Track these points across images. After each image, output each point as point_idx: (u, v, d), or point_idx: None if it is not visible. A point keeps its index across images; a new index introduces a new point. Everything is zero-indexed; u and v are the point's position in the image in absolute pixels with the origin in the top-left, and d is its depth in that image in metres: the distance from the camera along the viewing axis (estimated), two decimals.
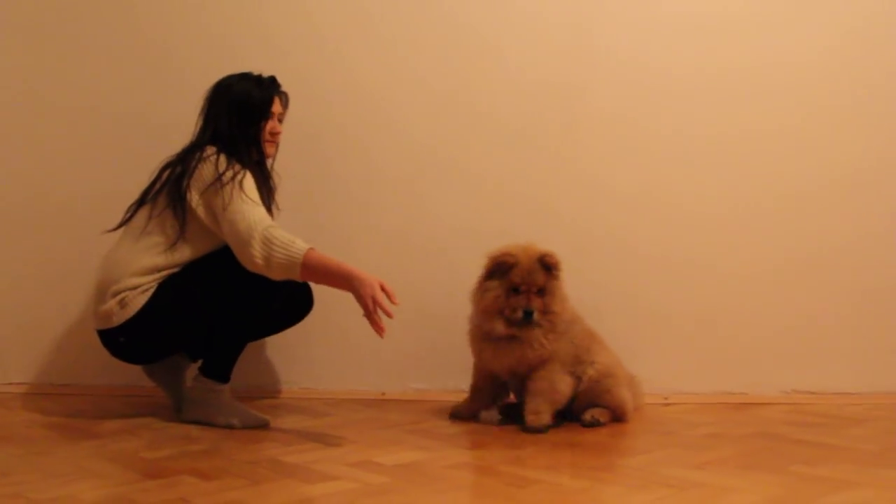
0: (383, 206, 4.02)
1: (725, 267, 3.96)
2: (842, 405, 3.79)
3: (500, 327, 3.25)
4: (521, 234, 3.81)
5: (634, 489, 2.44)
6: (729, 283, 3.96)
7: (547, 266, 3.23)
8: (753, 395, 3.90)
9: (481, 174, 3.99)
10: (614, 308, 3.87)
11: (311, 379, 4.02)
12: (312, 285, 3.46)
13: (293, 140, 3.78)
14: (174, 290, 3.25)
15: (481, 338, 3.34)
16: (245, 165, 3.32)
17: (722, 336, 3.96)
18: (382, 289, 3.02)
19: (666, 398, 3.85)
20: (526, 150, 3.99)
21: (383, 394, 3.96)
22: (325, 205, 4.02)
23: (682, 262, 3.96)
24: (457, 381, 3.91)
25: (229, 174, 3.24)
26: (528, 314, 3.20)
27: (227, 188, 3.22)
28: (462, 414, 3.49)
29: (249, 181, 3.28)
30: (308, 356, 4.00)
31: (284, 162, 3.69)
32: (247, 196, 3.22)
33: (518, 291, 3.22)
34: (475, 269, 3.67)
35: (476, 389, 3.51)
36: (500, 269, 3.24)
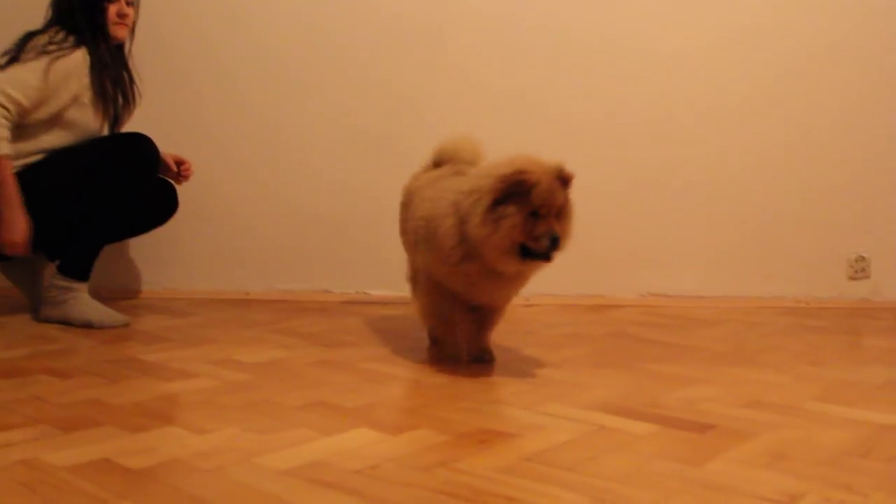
0: (252, 102, 3.95)
1: (586, 172, 4.01)
2: (694, 308, 3.93)
3: (513, 264, 2.54)
4: (387, 131, 3.83)
5: (491, 385, 2.51)
6: (588, 189, 4.01)
7: (565, 181, 2.61)
8: (611, 297, 4.01)
9: (353, 69, 3.96)
10: None
11: (175, 279, 3.98)
12: (178, 188, 3.47)
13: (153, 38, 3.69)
14: (29, 182, 3.16)
15: (479, 274, 2.59)
16: (86, 45, 3.23)
17: (582, 241, 4.03)
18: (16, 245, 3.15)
19: (528, 300, 3.93)
20: (397, 47, 3.96)
21: (248, 294, 3.94)
22: (197, 90, 3.94)
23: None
24: (321, 282, 3.93)
25: (54, 47, 3.17)
26: (556, 241, 2.50)
27: (39, 57, 3.15)
28: (449, 353, 2.87)
29: (68, 64, 3.20)
30: (172, 256, 3.95)
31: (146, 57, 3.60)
32: (46, 73, 3.15)
33: (537, 216, 2.50)
34: (341, 169, 3.68)
35: (451, 324, 2.80)
36: (518, 191, 2.48)
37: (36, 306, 3.41)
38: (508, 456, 1.90)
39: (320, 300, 3.90)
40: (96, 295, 3.36)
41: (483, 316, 2.80)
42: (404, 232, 2.94)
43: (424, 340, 3.08)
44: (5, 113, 3.07)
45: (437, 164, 2.99)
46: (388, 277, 3.94)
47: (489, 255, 2.50)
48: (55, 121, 3.22)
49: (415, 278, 2.96)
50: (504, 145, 3.94)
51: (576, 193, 3.96)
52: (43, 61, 3.13)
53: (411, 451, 1.92)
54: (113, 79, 3.34)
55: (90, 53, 3.24)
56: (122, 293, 3.89)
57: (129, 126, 3.44)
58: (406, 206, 2.93)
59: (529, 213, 2.48)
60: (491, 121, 3.96)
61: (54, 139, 3.23)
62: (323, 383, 2.50)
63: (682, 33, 4.01)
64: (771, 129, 4.07)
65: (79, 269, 3.29)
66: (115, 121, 3.38)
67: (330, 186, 3.92)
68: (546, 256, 2.51)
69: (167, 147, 3.43)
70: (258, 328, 3.29)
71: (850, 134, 4.11)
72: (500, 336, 3.21)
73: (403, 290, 3.87)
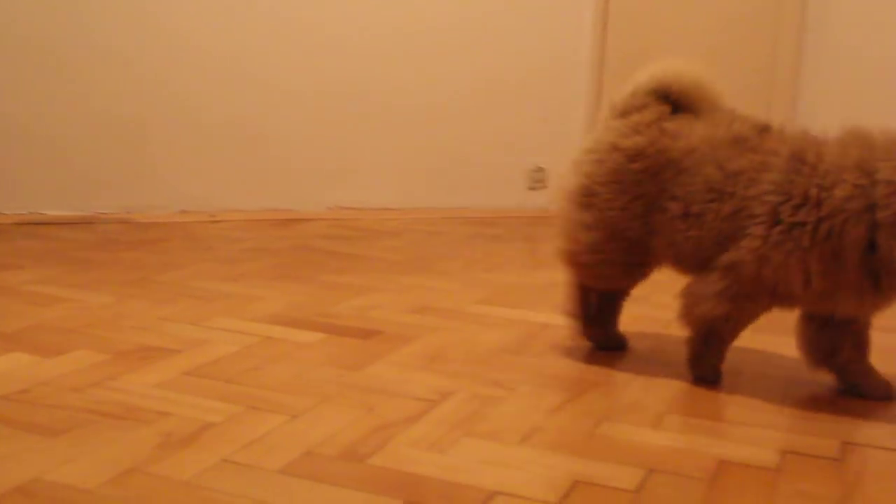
0: None
1: (274, 83, 3.98)
2: (381, 220, 4.01)
3: None
4: (49, 38, 3.62)
5: (160, 302, 2.46)
6: (277, 100, 3.99)
7: None
8: (299, 211, 4.02)
9: None
10: (159, 120, 3.80)
11: None
12: None
13: None
14: None
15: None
16: None
17: (270, 153, 4.01)
18: None
19: (213, 215, 3.87)
20: None
21: None
22: None
23: (232, 75, 3.92)
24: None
25: None
26: None
27: None
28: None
29: None
30: None
31: None
32: None
33: None
34: (6, 76, 3.46)
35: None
36: None
37: None
38: (168, 371, 1.88)
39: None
40: None
41: (858, 335, 2.05)
42: (642, 215, 2.05)
43: (97, 261, 2.98)
44: None
45: (677, 105, 2.10)
46: (67, 196, 3.77)
47: None
48: None
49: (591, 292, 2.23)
50: (184, 41, 3.84)
51: (263, 103, 3.95)
52: None
53: (66, 372, 1.86)
54: None
55: None
56: None
57: None
58: (676, 168, 2.02)
59: None
60: (173, 18, 3.83)
61: None
62: None
63: None
64: (456, 47, 4.17)
65: None
66: None
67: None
68: None
69: None
70: None
71: (524, 54, 4.28)
72: (177, 252, 3.16)
73: (83, 209, 3.73)
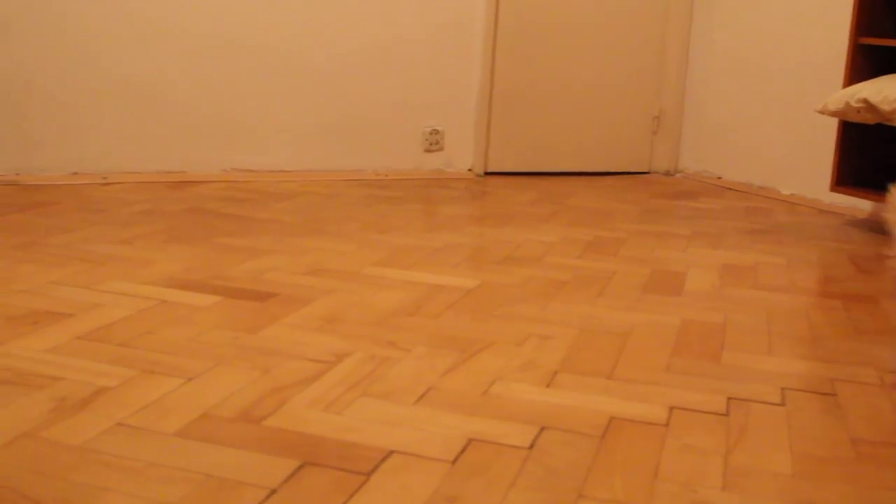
0: None
1: (168, 42, 3.91)
2: (277, 182, 3.98)
3: None
4: None
5: (52, 266, 2.42)
6: (171, 60, 3.92)
7: None
8: (193, 173, 3.97)
9: None
10: (51, 80, 3.70)
11: None
12: None
13: None
14: None
15: None
16: None
17: (163, 115, 3.94)
18: None
19: (105, 178, 3.80)
20: None
21: None
22: None
23: (124, 33, 3.83)
24: None
25: None
26: None
27: None
28: None
29: None
30: None
31: None
32: None
33: None
34: None
35: None
36: None
37: None
38: (60, 336, 1.86)
39: None
40: None
41: None
42: None
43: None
44: None
45: None
46: None
47: None
48: None
49: None
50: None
51: (158, 66, 3.88)
52: None
53: None
54: None
55: None
56: None
57: None
58: None
59: None
60: None
61: None
62: None
63: None
64: (353, 8, 4.14)
65: None
66: None
67: None
68: None
69: None
70: None
71: (422, 15, 4.27)
72: (68, 214, 3.10)
73: None
